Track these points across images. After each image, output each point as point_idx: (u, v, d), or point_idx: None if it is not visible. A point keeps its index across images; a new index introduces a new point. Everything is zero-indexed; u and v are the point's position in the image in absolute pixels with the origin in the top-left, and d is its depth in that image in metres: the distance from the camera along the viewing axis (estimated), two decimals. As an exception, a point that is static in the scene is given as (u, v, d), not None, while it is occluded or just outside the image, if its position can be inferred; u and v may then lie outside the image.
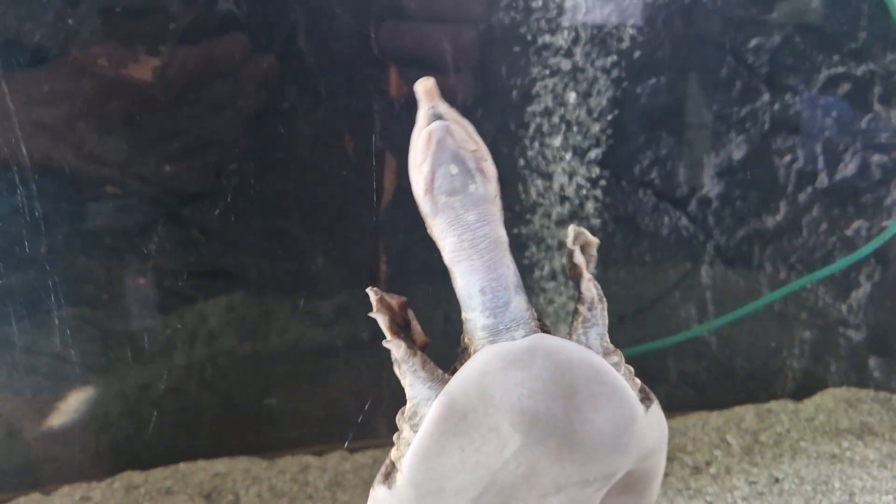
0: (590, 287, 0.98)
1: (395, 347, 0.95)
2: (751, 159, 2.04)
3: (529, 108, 1.94)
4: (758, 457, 1.85)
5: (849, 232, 2.10)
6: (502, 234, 0.95)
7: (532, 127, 1.94)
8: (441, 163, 0.88)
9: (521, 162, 1.97)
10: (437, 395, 0.93)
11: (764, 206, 2.09)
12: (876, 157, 2.06)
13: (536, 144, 1.95)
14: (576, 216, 2.00)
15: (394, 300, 1.00)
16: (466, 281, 0.94)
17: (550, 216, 2.00)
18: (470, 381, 0.92)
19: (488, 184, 0.91)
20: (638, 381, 1.00)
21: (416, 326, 1.02)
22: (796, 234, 2.11)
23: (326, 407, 2.04)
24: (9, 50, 1.65)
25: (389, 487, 0.98)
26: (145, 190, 1.85)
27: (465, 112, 0.94)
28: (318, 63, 1.84)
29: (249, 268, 1.95)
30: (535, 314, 0.97)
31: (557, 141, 1.94)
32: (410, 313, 1.02)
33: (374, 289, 0.98)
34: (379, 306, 0.97)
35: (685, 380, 2.21)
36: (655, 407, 1.01)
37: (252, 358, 1.97)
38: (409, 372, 0.95)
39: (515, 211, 2.00)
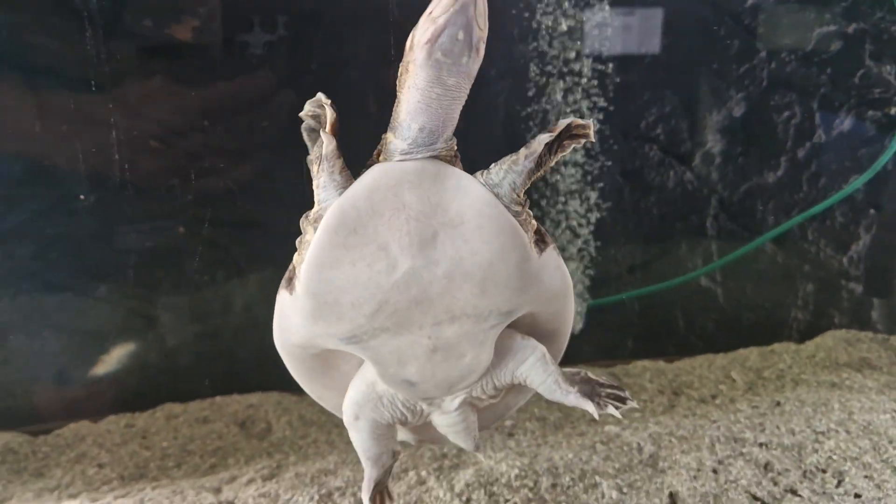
0: (541, 142, 0.99)
1: (329, 141, 0.96)
2: (751, 116, 2.16)
3: (539, 68, 2.08)
4: (760, 389, 1.95)
5: (846, 186, 2.21)
6: (460, 105, 0.98)
7: (541, 85, 2.08)
8: (455, 24, 0.90)
9: (531, 115, 2.10)
10: None
11: (765, 162, 2.21)
12: (870, 113, 2.17)
13: (544, 101, 2.08)
14: (584, 169, 2.12)
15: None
16: (413, 117, 0.95)
17: (562, 169, 2.13)
18: (360, 194, 0.94)
19: (476, 63, 0.95)
20: (535, 224, 1.02)
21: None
22: (797, 188, 2.22)
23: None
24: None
25: (291, 293, 1.01)
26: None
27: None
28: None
29: (279, 217, 2.09)
30: (454, 156, 0.99)
31: (562, 96, 2.07)
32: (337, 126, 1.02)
33: (322, 94, 0.99)
34: (328, 103, 0.99)
35: (693, 332, 2.32)
36: (551, 251, 1.04)
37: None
38: (326, 171, 0.96)
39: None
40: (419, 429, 1.24)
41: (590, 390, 1.11)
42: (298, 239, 1.00)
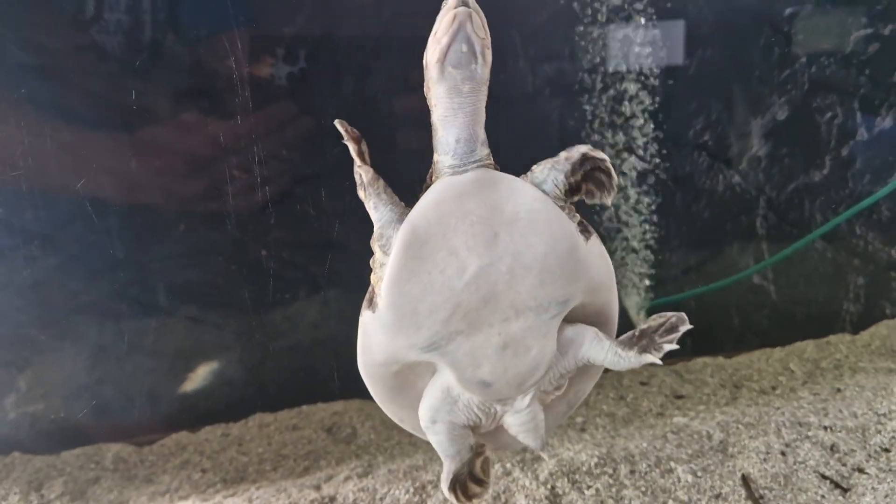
0: (580, 151, 1.09)
1: (366, 172, 1.08)
2: (794, 119, 2.26)
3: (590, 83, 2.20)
4: (819, 378, 2.03)
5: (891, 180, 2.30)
6: (483, 107, 1.08)
7: (595, 97, 2.20)
8: (457, 40, 1.01)
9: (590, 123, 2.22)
10: (398, 218, 1.06)
11: (810, 162, 2.30)
12: (910, 110, 2.27)
13: (601, 111, 2.21)
14: (639, 178, 2.24)
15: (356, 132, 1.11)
16: (447, 130, 1.06)
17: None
18: (428, 208, 1.05)
19: (486, 67, 1.06)
20: (577, 216, 1.11)
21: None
22: (842, 185, 2.31)
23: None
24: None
25: (374, 311, 1.10)
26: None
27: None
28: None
29: (352, 237, 2.23)
30: (495, 164, 1.10)
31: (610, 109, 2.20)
32: (364, 146, 1.12)
33: (341, 121, 1.10)
34: (349, 135, 1.09)
35: (749, 328, 2.40)
36: (594, 239, 1.13)
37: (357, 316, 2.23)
38: (374, 195, 1.08)
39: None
40: (489, 436, 1.32)
41: (648, 343, 1.18)
42: (371, 259, 1.09)
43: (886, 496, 1.50)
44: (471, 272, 1.05)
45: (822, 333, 2.35)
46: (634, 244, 2.30)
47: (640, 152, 2.23)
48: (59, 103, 1.90)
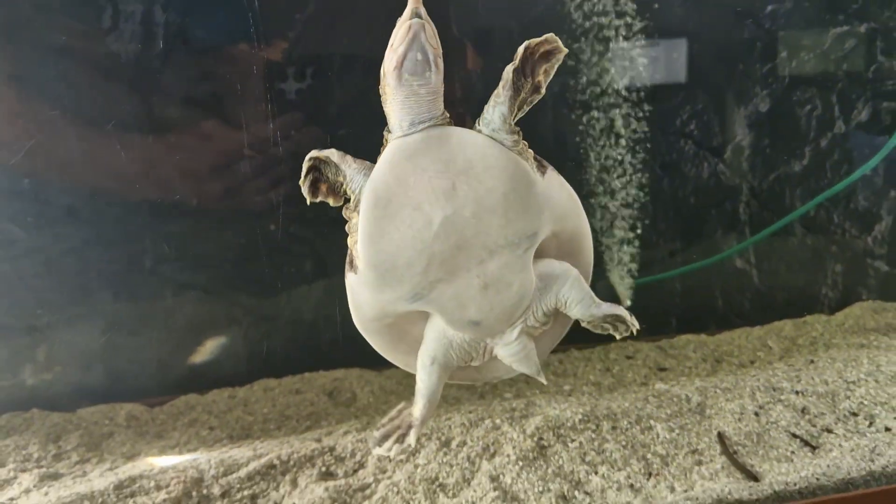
0: (508, 71, 1.16)
1: (331, 154, 1.19)
2: (776, 110, 2.39)
3: (583, 78, 2.33)
4: (795, 353, 2.14)
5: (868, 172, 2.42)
6: (439, 105, 1.18)
7: (587, 92, 2.33)
8: (412, 49, 1.10)
9: (581, 118, 2.35)
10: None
11: (791, 152, 2.43)
12: (885, 104, 2.39)
13: (592, 105, 2.33)
14: (628, 163, 2.36)
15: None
16: (401, 115, 1.16)
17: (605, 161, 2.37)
18: (384, 171, 1.14)
19: (439, 74, 1.16)
20: (531, 152, 1.21)
21: None
22: (822, 175, 2.44)
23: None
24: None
25: (355, 272, 1.22)
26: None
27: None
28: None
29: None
30: (449, 119, 1.19)
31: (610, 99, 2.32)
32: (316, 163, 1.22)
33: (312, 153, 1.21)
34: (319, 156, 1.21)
35: (732, 310, 2.52)
36: (551, 172, 1.24)
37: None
38: (348, 168, 1.18)
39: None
40: (485, 367, 1.44)
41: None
42: (347, 225, 1.19)
43: (852, 451, 1.62)
44: (437, 223, 1.14)
45: (802, 315, 2.47)
46: (624, 226, 2.41)
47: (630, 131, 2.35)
48: (76, 102, 2.01)
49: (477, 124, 1.20)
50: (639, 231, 2.37)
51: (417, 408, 1.40)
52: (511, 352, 1.35)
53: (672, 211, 2.43)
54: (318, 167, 1.20)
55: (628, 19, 2.28)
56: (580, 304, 1.31)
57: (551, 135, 2.33)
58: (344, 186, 1.20)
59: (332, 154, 1.19)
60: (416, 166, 1.14)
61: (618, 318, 1.32)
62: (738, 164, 2.42)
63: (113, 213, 2.14)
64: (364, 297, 1.24)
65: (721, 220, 2.46)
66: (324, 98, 2.22)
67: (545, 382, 1.44)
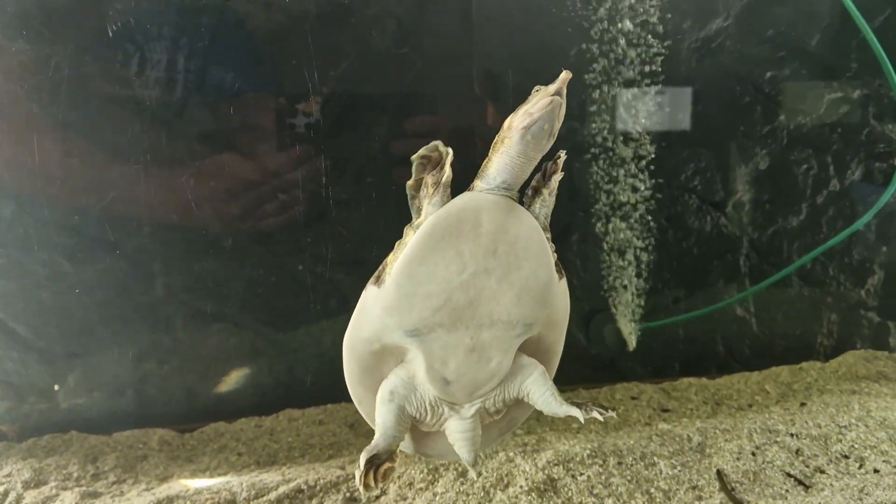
0: (554, 181, 1.31)
1: (448, 173, 1.25)
2: (774, 169, 2.55)
3: (594, 133, 2.49)
4: (790, 398, 2.27)
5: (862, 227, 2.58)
6: (532, 168, 1.28)
7: (597, 146, 2.49)
8: (545, 119, 1.20)
9: (593, 173, 2.51)
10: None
11: (788, 208, 2.58)
12: (877, 165, 2.56)
13: (602, 159, 2.50)
14: (636, 214, 2.51)
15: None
16: (500, 172, 1.26)
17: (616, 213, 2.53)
18: (451, 211, 1.23)
19: (552, 142, 1.29)
20: (555, 255, 1.29)
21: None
22: (818, 230, 2.59)
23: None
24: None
25: (378, 287, 1.26)
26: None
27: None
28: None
29: (378, 256, 2.50)
30: (519, 199, 1.29)
31: (618, 154, 2.48)
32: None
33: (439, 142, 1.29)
34: (446, 149, 1.28)
35: (732, 356, 2.65)
36: (564, 280, 1.34)
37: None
38: (440, 193, 1.25)
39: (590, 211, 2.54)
40: (429, 439, 1.46)
41: (581, 404, 1.34)
42: (398, 242, 1.26)
43: (842, 490, 1.74)
44: (468, 272, 1.23)
45: (799, 362, 2.60)
46: (630, 274, 2.56)
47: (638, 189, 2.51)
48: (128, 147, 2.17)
49: (527, 208, 1.32)
50: (645, 279, 2.51)
51: (375, 438, 1.37)
52: (460, 428, 1.38)
53: (676, 261, 2.58)
54: (426, 163, 1.30)
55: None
56: (541, 398, 1.36)
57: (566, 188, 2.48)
58: (421, 202, 1.28)
59: (448, 176, 1.26)
60: (477, 219, 1.24)
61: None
62: (739, 218, 2.58)
63: (153, 247, 2.28)
64: (372, 314, 1.29)
65: (722, 271, 2.61)
66: (354, 148, 2.38)
67: (475, 476, 1.49)
